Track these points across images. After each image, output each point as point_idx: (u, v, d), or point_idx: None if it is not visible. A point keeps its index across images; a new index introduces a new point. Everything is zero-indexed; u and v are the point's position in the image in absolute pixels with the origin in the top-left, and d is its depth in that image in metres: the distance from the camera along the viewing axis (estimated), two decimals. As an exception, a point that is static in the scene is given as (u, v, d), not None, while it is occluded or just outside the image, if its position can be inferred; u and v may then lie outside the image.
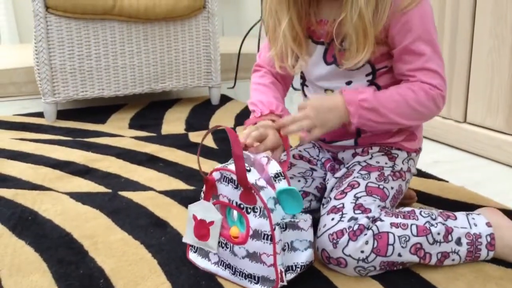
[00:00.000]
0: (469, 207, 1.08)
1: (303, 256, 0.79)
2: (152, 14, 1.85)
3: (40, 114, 1.87)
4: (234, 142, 0.77)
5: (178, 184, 1.24)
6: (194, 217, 0.84)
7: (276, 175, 0.82)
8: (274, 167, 0.82)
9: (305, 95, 1.04)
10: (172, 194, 1.18)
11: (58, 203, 1.13)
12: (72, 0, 1.72)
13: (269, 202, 0.77)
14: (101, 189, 1.21)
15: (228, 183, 0.81)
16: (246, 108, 2.02)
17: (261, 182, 0.78)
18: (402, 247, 0.82)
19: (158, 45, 1.92)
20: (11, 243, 0.96)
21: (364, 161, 0.95)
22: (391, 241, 0.82)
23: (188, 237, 0.86)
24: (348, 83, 0.94)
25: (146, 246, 0.94)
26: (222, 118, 1.88)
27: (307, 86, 1.02)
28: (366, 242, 0.81)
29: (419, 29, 0.86)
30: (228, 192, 0.81)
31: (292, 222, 0.78)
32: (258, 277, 0.79)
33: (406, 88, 0.88)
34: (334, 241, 0.82)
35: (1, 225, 1.03)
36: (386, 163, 0.95)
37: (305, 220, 0.79)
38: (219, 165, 0.84)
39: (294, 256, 0.79)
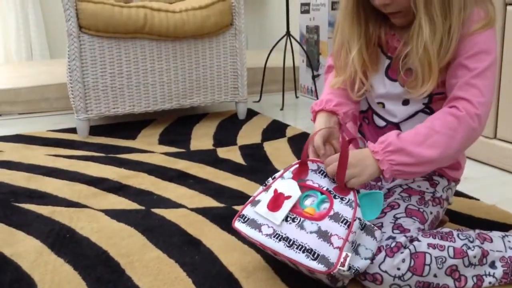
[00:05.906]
0: (501, 226, 1.08)
1: (360, 262, 0.81)
2: (181, 32, 1.89)
3: (72, 130, 1.92)
4: (342, 155, 0.84)
5: (209, 202, 1.26)
6: (275, 191, 0.89)
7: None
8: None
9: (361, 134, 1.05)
10: (203, 211, 1.20)
11: (94, 220, 1.16)
12: (104, 20, 1.78)
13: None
14: (134, 206, 1.24)
15: (325, 176, 0.88)
16: (272, 122, 2.04)
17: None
18: (439, 268, 0.82)
19: (186, 62, 1.96)
20: (51, 261, 0.99)
21: (406, 184, 0.97)
22: (427, 261, 0.82)
23: (260, 208, 0.88)
24: (405, 102, 0.95)
25: (181, 264, 0.96)
26: (250, 133, 1.90)
27: (367, 118, 1.03)
28: (403, 260, 0.81)
29: (480, 47, 0.84)
30: (323, 182, 0.88)
31: (371, 226, 0.83)
32: (318, 255, 0.79)
33: (430, 118, 0.86)
34: None
35: (40, 242, 1.06)
36: (427, 189, 0.96)
37: (380, 232, 0.85)
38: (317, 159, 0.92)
39: (353, 258, 0.81)
